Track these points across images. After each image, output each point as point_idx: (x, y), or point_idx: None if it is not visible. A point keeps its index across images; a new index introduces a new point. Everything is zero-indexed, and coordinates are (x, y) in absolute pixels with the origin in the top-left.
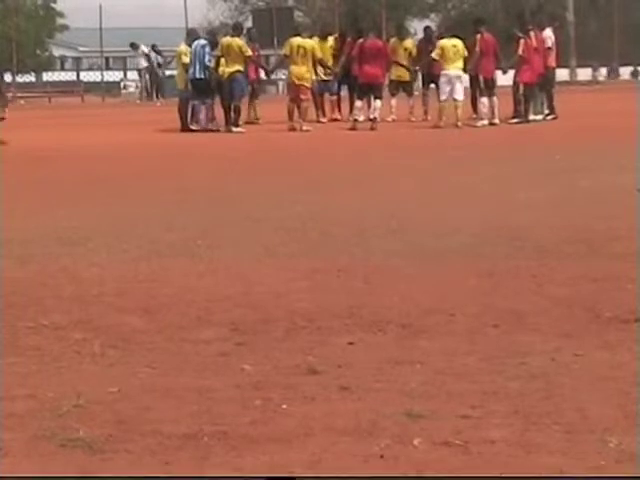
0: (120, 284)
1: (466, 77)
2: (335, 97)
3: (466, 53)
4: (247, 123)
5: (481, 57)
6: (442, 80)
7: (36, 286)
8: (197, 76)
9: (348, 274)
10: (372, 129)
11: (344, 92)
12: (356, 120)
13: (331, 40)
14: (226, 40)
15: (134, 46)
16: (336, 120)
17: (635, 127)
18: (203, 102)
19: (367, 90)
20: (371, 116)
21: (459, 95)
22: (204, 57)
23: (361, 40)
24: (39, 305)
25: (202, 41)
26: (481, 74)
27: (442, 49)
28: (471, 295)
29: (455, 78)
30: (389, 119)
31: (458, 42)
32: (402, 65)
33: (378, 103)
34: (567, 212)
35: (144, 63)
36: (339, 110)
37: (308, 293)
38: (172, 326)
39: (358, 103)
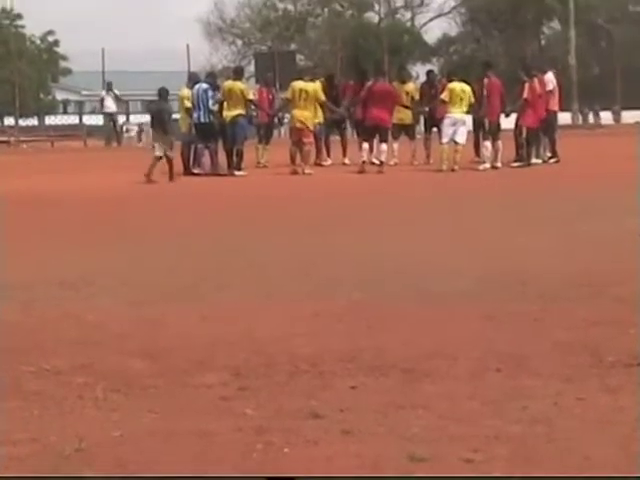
0: (122, 328)
1: (469, 121)
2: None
3: (472, 99)
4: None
5: (487, 101)
6: (446, 122)
7: (38, 330)
8: (202, 120)
9: (350, 318)
10: (379, 172)
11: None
12: (364, 163)
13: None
14: (228, 84)
15: (109, 87)
16: (320, 165)
17: (636, 172)
18: (206, 146)
19: (373, 133)
20: (375, 161)
21: (461, 139)
22: (208, 101)
23: (370, 83)
24: (41, 349)
25: (204, 85)
26: (486, 117)
27: (451, 92)
28: (473, 339)
29: (460, 122)
30: (391, 163)
31: (466, 87)
32: (406, 107)
33: (384, 146)
34: (569, 256)
35: (114, 107)
36: (328, 154)
37: (310, 337)
38: (174, 370)
39: (365, 145)
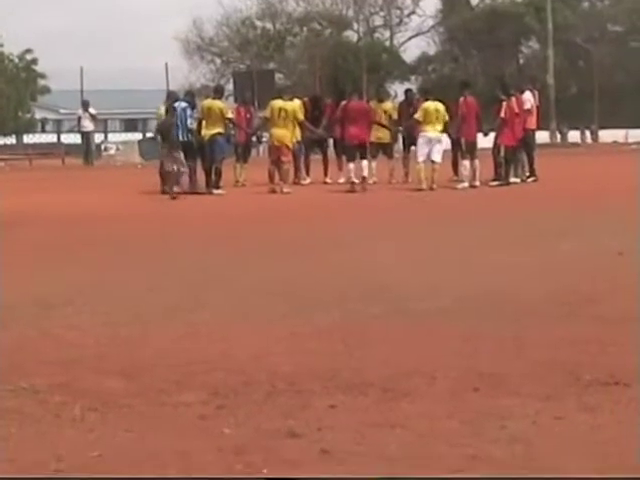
0: (100, 347)
1: (446, 139)
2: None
3: (447, 117)
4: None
5: (463, 120)
6: (420, 141)
7: (16, 349)
8: (180, 139)
9: (329, 337)
10: (363, 190)
11: (318, 155)
12: (353, 182)
13: (299, 103)
14: (207, 102)
15: (85, 105)
16: (299, 184)
17: (614, 190)
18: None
19: (355, 151)
20: (355, 180)
21: (437, 157)
22: (186, 120)
23: (344, 102)
24: (19, 368)
25: (182, 103)
26: (463, 137)
27: (425, 111)
28: (452, 357)
29: (434, 140)
30: (370, 181)
31: (440, 106)
32: (382, 126)
33: (365, 163)
34: (548, 274)
35: (91, 126)
36: (307, 173)
37: (288, 356)
38: (152, 389)
39: (351, 165)
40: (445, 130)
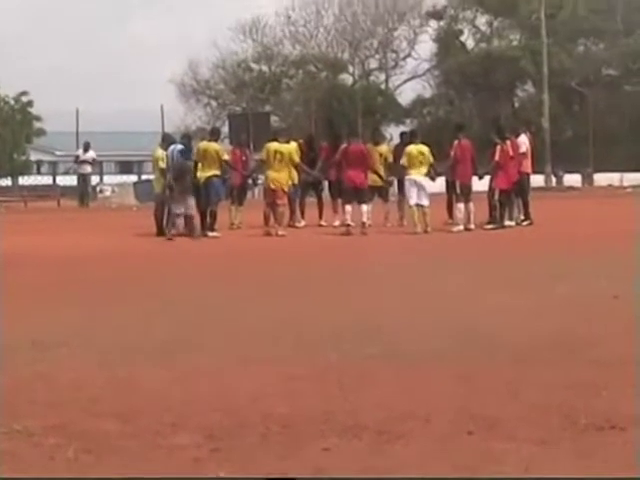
0: (95, 389)
1: (436, 184)
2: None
3: (432, 159)
4: (229, 229)
5: (458, 163)
6: (407, 185)
7: (10, 391)
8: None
9: (324, 379)
10: (363, 234)
11: (313, 198)
12: (349, 225)
13: (295, 145)
14: (203, 144)
15: (86, 147)
16: (294, 226)
17: (609, 234)
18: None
19: (353, 195)
20: (351, 222)
21: (425, 201)
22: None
23: (345, 145)
24: (13, 410)
25: (179, 146)
26: (458, 180)
27: (409, 155)
28: (447, 400)
29: (419, 183)
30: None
31: (425, 148)
32: (376, 173)
33: (364, 207)
34: (543, 317)
35: (89, 168)
36: (302, 216)
37: (283, 398)
38: (147, 431)
39: (348, 208)
40: (435, 172)
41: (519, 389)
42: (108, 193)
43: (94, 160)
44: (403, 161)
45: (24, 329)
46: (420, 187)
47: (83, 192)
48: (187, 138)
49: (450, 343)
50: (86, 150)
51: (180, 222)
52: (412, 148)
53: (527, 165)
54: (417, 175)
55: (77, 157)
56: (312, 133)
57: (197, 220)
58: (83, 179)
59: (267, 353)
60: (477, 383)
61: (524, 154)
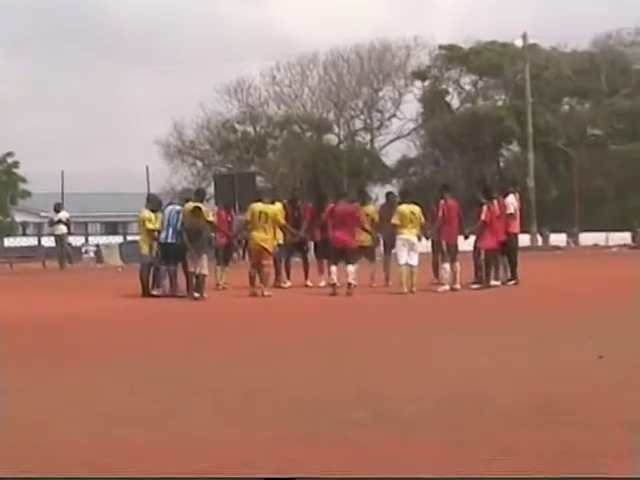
0: (81, 452)
1: (422, 243)
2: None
3: (423, 219)
4: (215, 290)
5: (444, 223)
6: (398, 244)
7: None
8: (169, 240)
9: (311, 444)
10: (348, 294)
11: (299, 259)
12: (335, 285)
13: (280, 205)
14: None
15: (58, 208)
16: (280, 287)
17: (595, 293)
18: (168, 268)
19: (340, 255)
20: (337, 283)
21: (414, 261)
22: (177, 223)
23: (331, 205)
24: None
25: (177, 207)
26: (444, 239)
27: (400, 215)
28: (434, 465)
29: (410, 243)
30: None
31: (416, 208)
32: (365, 230)
33: (351, 268)
34: (531, 379)
35: (64, 229)
36: (288, 276)
37: (271, 463)
38: None
39: (333, 268)
40: (424, 233)
41: (507, 452)
42: (93, 254)
43: (68, 220)
44: (395, 220)
45: (7, 395)
46: (411, 247)
47: (61, 254)
48: (185, 201)
49: (436, 406)
50: (57, 211)
51: (166, 283)
52: (404, 208)
53: (515, 225)
54: (409, 235)
55: (51, 220)
56: (295, 193)
57: (183, 281)
58: (60, 240)
59: (252, 416)
60: (464, 447)
61: (512, 215)
